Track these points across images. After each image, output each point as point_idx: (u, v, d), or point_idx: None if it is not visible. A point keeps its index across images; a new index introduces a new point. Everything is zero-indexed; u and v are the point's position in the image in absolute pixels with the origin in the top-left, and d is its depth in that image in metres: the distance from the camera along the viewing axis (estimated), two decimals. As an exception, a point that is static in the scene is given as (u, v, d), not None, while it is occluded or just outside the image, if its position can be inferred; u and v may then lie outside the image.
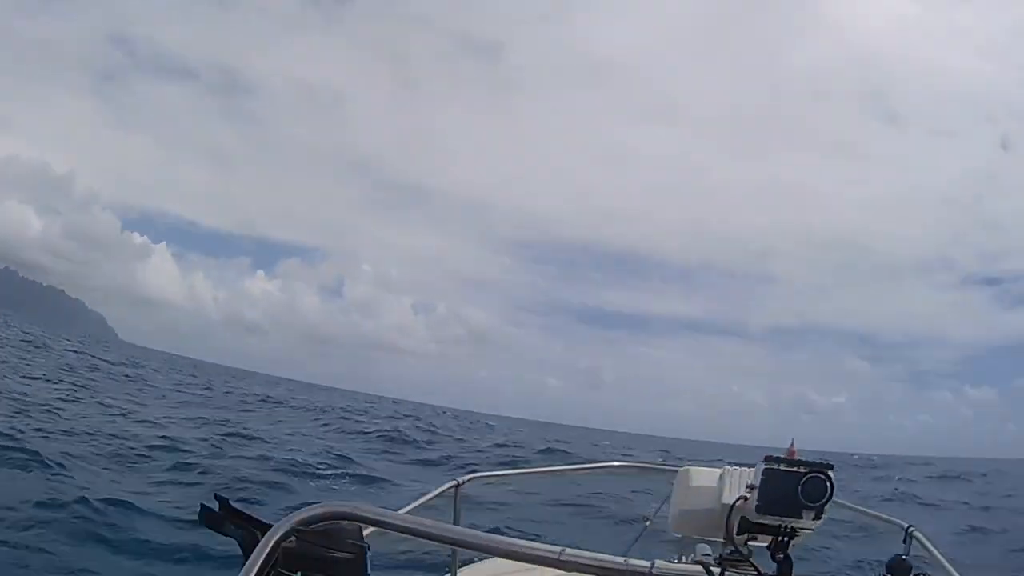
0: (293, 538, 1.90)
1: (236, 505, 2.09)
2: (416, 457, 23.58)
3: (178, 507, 11.97)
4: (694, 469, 2.38)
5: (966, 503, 23.45)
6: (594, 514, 16.40)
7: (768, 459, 2.02)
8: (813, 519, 2.01)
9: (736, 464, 2.23)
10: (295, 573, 1.87)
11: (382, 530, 2.03)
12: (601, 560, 1.90)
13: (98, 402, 24.40)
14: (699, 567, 2.02)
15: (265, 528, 1.95)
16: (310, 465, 17.99)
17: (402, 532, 2.01)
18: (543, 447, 31.23)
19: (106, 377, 37.18)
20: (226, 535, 2.06)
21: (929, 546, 3.29)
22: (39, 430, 16.00)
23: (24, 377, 26.88)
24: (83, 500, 11.22)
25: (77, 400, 23.81)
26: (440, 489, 3.91)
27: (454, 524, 3.67)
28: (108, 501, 11.51)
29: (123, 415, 22.08)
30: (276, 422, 29.28)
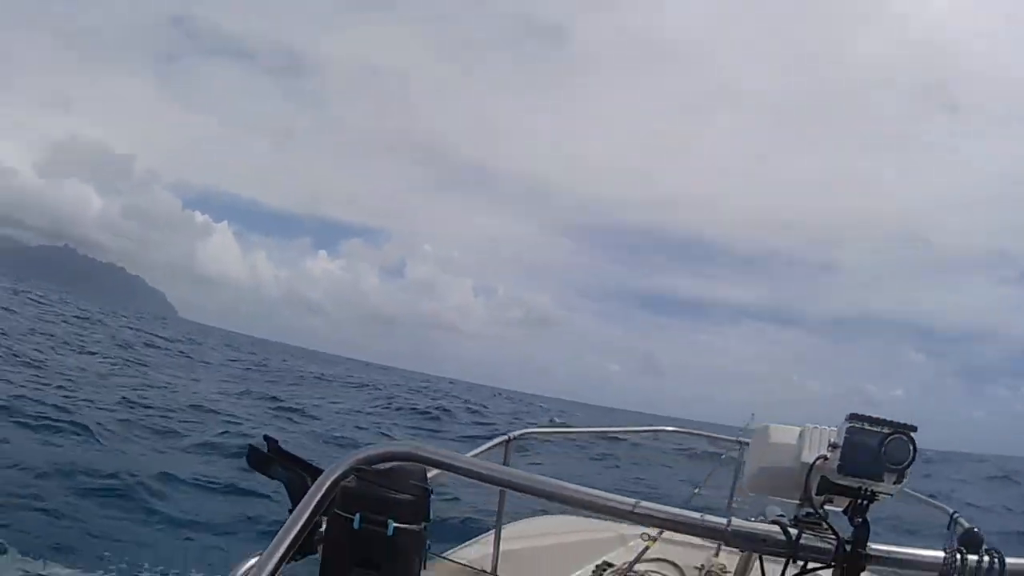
0: (352, 478, 1.86)
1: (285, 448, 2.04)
2: (460, 434, 23.72)
3: (214, 479, 12.31)
4: (773, 426, 2.24)
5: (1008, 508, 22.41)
6: (643, 479, 16.37)
7: (852, 416, 1.94)
8: (894, 483, 1.92)
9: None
10: (353, 514, 1.84)
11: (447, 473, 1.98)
12: (676, 515, 1.87)
13: (148, 376, 24.92)
14: (775, 527, 1.91)
15: (314, 471, 1.92)
16: (350, 439, 18.19)
17: (469, 476, 1.95)
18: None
19: (160, 353, 37.97)
20: (272, 477, 2.01)
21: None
22: (90, 402, 16.38)
23: (77, 352, 27.54)
24: (127, 472, 11.53)
25: (127, 374, 24.36)
26: (493, 443, 4.00)
27: None
28: (152, 472, 11.84)
29: (171, 389, 22.47)
30: (326, 399, 29.60)
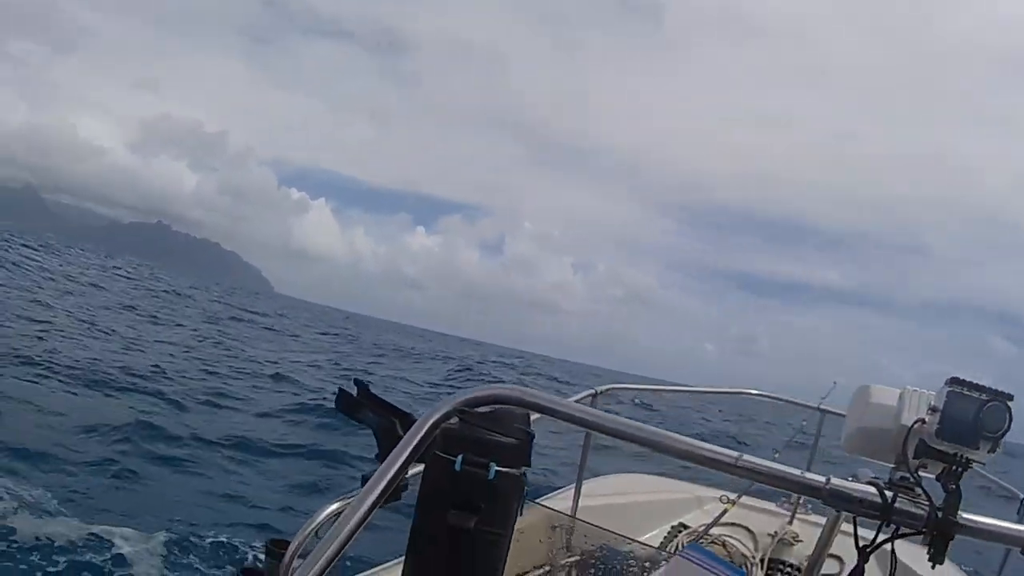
0: (455, 420, 1.83)
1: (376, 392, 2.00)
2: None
3: (288, 442, 13.00)
4: (874, 387, 2.22)
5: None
6: (726, 439, 16.19)
7: (952, 380, 1.91)
8: (988, 451, 1.89)
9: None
10: (455, 456, 1.78)
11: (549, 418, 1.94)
12: (778, 470, 1.84)
13: (231, 347, 26.01)
14: (871, 488, 1.85)
15: (404, 417, 1.90)
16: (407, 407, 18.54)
17: (573, 422, 1.93)
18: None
19: (247, 326, 39.40)
20: (361, 422, 1.97)
21: None
22: (181, 372, 17.38)
23: (163, 325, 28.88)
24: (197, 437, 12.23)
25: (212, 345, 25.49)
26: (580, 395, 4.00)
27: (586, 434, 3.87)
28: (225, 436, 12.61)
29: (254, 360, 23.38)
30: (398, 372, 29.97)
